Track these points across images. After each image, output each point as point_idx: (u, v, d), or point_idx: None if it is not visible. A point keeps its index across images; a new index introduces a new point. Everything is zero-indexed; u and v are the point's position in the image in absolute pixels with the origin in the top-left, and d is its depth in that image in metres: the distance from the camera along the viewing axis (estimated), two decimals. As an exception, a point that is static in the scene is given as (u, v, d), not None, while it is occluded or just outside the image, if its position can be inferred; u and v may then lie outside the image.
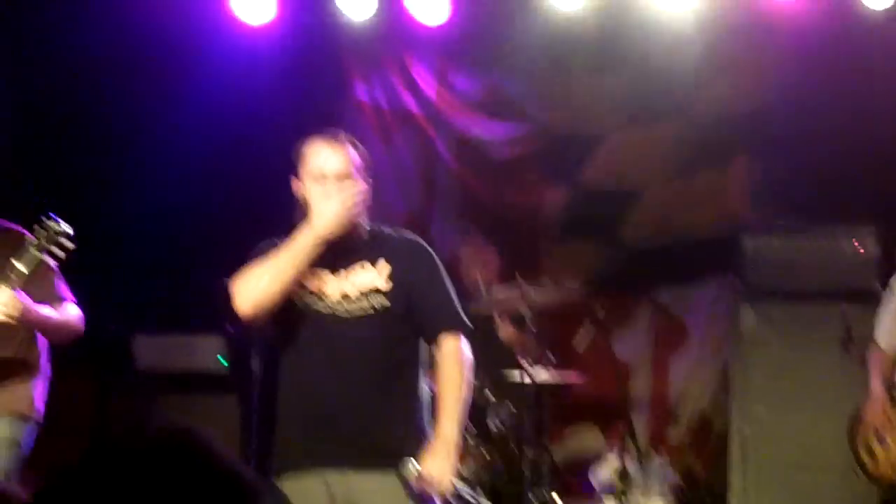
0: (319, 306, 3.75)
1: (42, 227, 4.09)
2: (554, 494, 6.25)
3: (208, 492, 1.42)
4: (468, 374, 3.83)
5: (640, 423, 7.32)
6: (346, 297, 3.75)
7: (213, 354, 6.86)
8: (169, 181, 6.95)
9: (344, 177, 3.74)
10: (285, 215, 6.80)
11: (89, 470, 1.46)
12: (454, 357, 3.80)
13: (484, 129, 7.37)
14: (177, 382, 6.83)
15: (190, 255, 7.07)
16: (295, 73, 7.26)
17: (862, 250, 6.45)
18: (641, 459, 6.79)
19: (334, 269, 3.77)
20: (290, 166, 6.78)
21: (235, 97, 6.98)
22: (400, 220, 7.15)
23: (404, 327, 3.80)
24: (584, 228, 7.51)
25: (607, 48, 7.27)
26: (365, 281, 3.76)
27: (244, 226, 7.07)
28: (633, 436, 6.78)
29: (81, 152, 7.07)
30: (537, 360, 6.07)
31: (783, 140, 7.07)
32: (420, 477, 3.60)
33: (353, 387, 3.69)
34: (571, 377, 6.48)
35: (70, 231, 4.15)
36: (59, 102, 7.00)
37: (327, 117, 7.28)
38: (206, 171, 7.10)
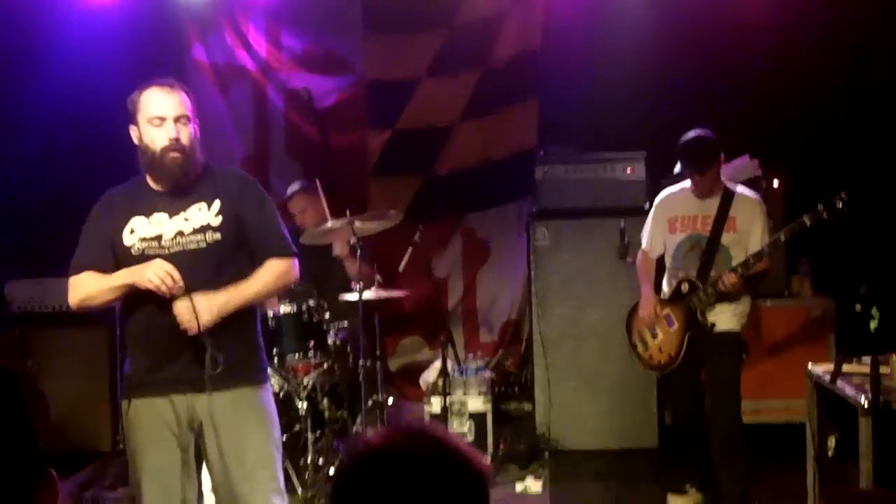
0: (155, 249, 3.85)
1: None
2: (389, 398, 6.78)
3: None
4: (274, 278, 3.97)
5: (458, 332, 8.11)
6: (180, 233, 3.87)
7: None
8: (29, 139, 7.28)
9: (180, 118, 3.87)
10: (137, 164, 7.31)
11: None
12: (271, 265, 3.97)
13: (310, 82, 7.74)
14: (49, 320, 7.23)
15: (55, 205, 7.38)
16: (138, 40, 7.54)
17: (632, 173, 7.20)
18: (460, 362, 7.30)
19: (172, 213, 3.90)
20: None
21: (84, 62, 7.28)
22: (240, 164, 7.75)
23: (238, 256, 3.94)
24: (401, 165, 8.14)
25: (416, 5, 7.86)
26: (199, 219, 3.88)
27: (98, 175, 7.58)
28: (452, 343, 7.28)
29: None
30: (368, 283, 6.32)
31: (562, 82, 7.70)
32: (184, 304, 3.72)
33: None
34: (396, 294, 6.84)
35: None
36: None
37: (170, 75, 7.79)
38: (65, 127, 7.43)
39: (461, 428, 6.88)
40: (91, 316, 7.03)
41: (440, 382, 6.97)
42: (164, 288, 3.71)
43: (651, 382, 6.99)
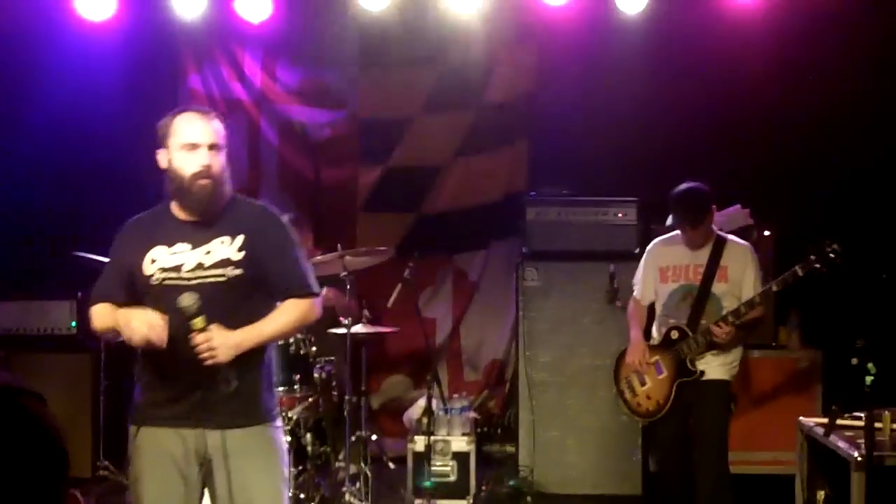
0: (174, 280, 3.74)
1: None
2: (372, 434, 6.77)
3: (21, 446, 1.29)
4: (293, 319, 3.86)
5: (443, 370, 8.07)
6: (200, 265, 3.75)
7: (65, 318, 7.22)
8: (20, 159, 7.27)
9: (214, 146, 3.78)
10: (127, 189, 7.28)
11: None
12: (291, 305, 3.86)
13: (304, 115, 7.82)
14: (32, 343, 7.18)
15: (40, 229, 7.44)
16: (134, 66, 7.58)
17: (624, 217, 7.15)
18: (445, 401, 7.13)
19: (194, 244, 3.79)
20: (129, 146, 7.31)
21: (80, 86, 7.31)
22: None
23: (257, 292, 3.81)
24: (392, 202, 8.15)
25: (412, 44, 7.86)
26: (220, 252, 3.76)
27: (91, 199, 7.59)
28: (437, 381, 7.00)
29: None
30: (355, 318, 6.38)
31: (555, 125, 7.72)
32: (204, 331, 3.58)
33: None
34: (384, 330, 6.88)
35: None
36: None
37: (163, 102, 7.77)
38: (56, 149, 7.42)
39: (444, 467, 6.82)
40: (76, 340, 7.23)
41: (424, 421, 6.85)
42: (148, 340, 3.60)
43: (636, 429, 6.95)
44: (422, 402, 7.08)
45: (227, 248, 3.80)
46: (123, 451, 6.16)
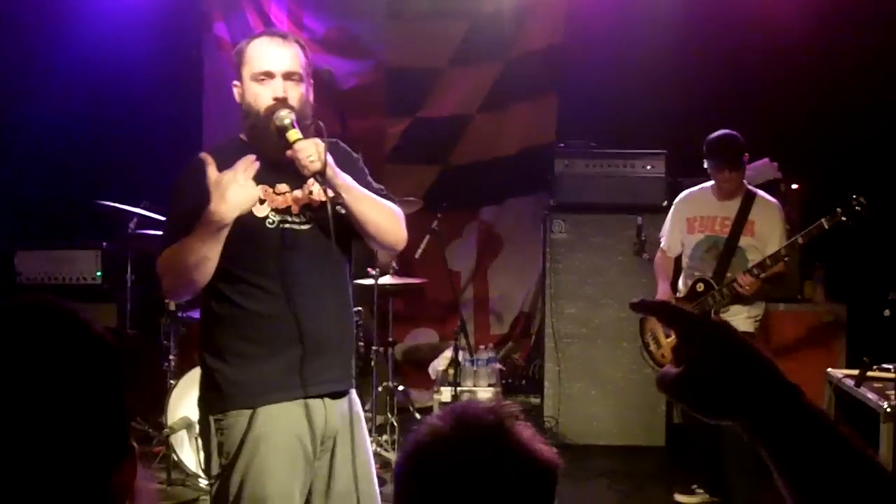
0: (290, 224, 3.30)
1: None
2: (399, 385, 6.82)
3: (73, 351, 1.26)
4: (389, 207, 3.40)
5: (470, 321, 8.04)
6: (309, 207, 3.32)
7: (91, 267, 7.23)
8: (45, 109, 7.22)
9: (292, 75, 3.30)
10: (152, 138, 7.29)
11: None
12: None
13: (331, 64, 7.69)
14: (57, 293, 7.20)
15: (65, 178, 7.44)
16: (159, 15, 7.53)
17: (652, 170, 7.17)
18: (471, 353, 7.22)
19: (292, 185, 3.32)
20: (154, 95, 7.32)
21: (106, 35, 7.26)
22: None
23: (344, 228, 3.33)
24: (418, 153, 8.14)
25: None
26: (321, 192, 3.27)
27: (117, 149, 7.63)
28: (464, 333, 7.13)
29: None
30: (383, 269, 6.42)
31: (584, 77, 7.66)
32: (307, 142, 3.18)
33: (315, 304, 3.27)
34: (412, 281, 6.93)
35: None
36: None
37: (188, 52, 7.79)
38: (81, 99, 7.39)
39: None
40: (101, 290, 7.24)
41: (450, 372, 6.97)
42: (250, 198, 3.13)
43: (660, 381, 6.96)
44: (447, 353, 7.19)
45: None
46: (147, 401, 6.31)
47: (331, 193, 3.19)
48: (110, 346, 1.32)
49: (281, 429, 3.22)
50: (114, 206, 6.32)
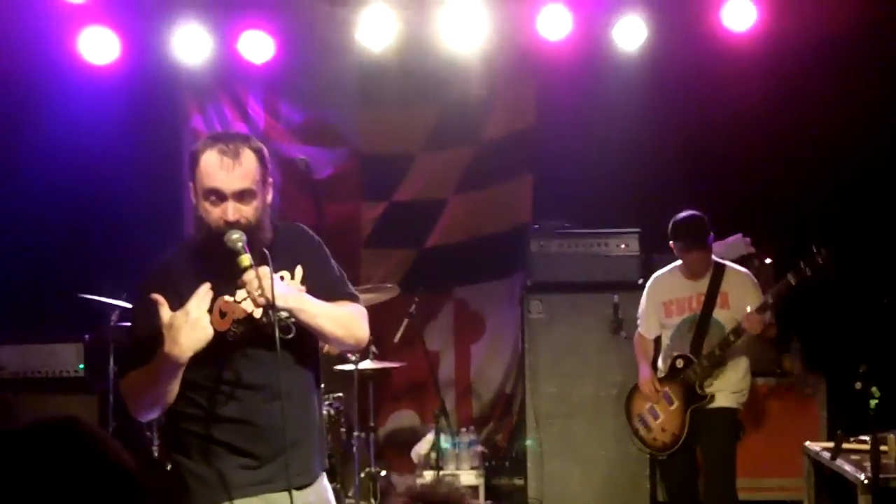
0: (252, 332, 3.27)
1: None
2: (381, 470, 6.80)
3: (92, 475, 1.29)
4: (345, 313, 3.41)
5: (450, 403, 7.94)
6: (271, 306, 3.18)
7: (72, 360, 7.16)
8: (24, 201, 7.27)
9: (243, 195, 3.21)
10: (132, 230, 7.26)
11: None
12: (343, 304, 3.44)
13: (308, 153, 7.65)
14: (39, 386, 7.11)
15: (46, 271, 7.43)
16: (136, 108, 7.57)
17: (627, 248, 7.22)
18: (453, 435, 7.25)
19: None
20: (132, 187, 7.31)
21: (83, 128, 7.30)
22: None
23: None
24: (395, 237, 8.15)
25: (411, 84, 7.88)
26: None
27: (96, 241, 7.61)
28: (444, 414, 7.20)
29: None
30: (362, 354, 6.36)
31: (556, 159, 7.76)
32: (252, 273, 3.13)
33: (277, 406, 3.22)
34: (392, 365, 6.90)
35: None
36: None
37: (166, 144, 7.82)
38: (60, 191, 7.41)
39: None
40: (83, 382, 7.16)
41: (432, 455, 6.96)
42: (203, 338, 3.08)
43: (643, 458, 6.91)
44: (430, 437, 7.16)
45: (289, 283, 3.36)
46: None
47: (284, 314, 3.20)
48: (129, 474, 1.39)
49: None
50: (95, 299, 6.30)
